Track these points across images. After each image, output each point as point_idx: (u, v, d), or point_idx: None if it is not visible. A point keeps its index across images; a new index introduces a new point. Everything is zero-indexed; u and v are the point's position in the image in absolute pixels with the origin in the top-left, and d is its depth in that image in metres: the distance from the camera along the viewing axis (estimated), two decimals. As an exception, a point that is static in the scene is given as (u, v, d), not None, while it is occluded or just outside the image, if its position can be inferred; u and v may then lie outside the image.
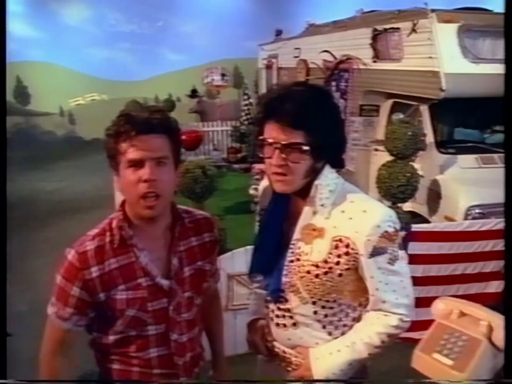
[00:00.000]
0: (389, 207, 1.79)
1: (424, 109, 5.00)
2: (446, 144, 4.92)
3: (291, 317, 1.38)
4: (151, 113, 1.27)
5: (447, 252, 3.53)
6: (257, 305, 1.56)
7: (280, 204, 1.39)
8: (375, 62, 5.86)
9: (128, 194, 1.29)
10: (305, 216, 1.32)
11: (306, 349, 1.37)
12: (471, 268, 3.64)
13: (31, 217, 6.55)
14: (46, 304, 1.37)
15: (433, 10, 4.80)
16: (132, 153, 1.24)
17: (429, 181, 4.64)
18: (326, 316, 1.34)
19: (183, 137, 9.21)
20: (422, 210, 4.65)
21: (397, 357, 1.10)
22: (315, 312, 1.34)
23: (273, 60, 9.30)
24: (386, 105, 5.75)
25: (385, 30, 5.59)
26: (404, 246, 1.31)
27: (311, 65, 7.46)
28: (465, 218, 4.08)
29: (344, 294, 1.33)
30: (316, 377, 1.29)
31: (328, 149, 1.28)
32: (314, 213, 1.31)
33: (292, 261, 1.33)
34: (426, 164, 4.77)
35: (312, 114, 1.23)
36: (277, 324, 1.42)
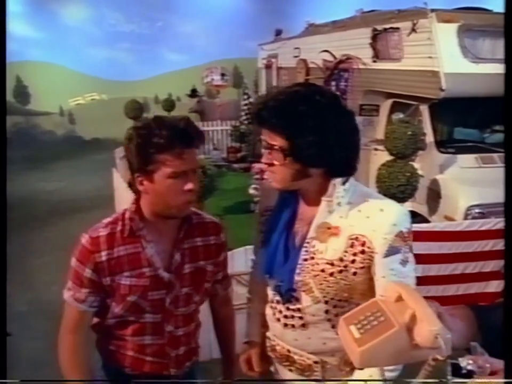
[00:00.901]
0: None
1: (424, 109, 5.00)
2: (446, 144, 4.93)
3: (301, 318, 1.37)
4: (189, 126, 1.36)
5: (447, 252, 3.53)
6: (254, 326, 1.57)
7: (288, 204, 1.39)
8: (374, 61, 5.86)
9: (166, 200, 1.37)
10: (321, 215, 1.32)
11: None
12: (471, 267, 3.65)
13: (31, 217, 6.55)
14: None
15: (433, 10, 4.81)
16: (178, 166, 1.33)
17: (429, 180, 4.64)
18: (336, 315, 1.32)
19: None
20: (422, 210, 4.65)
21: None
22: (326, 311, 1.34)
23: (273, 60, 9.30)
24: (386, 105, 5.76)
25: (385, 29, 5.60)
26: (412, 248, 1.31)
27: (310, 65, 7.46)
28: (465, 218, 4.08)
29: (356, 293, 1.33)
30: None
31: (300, 152, 1.25)
32: (330, 212, 1.31)
33: (305, 259, 1.33)
34: (426, 163, 4.78)
35: (290, 119, 1.23)
36: (285, 324, 1.40)
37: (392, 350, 0.96)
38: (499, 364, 0.83)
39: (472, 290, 3.68)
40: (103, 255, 1.39)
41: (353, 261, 1.28)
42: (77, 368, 1.43)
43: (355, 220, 1.28)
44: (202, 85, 12.38)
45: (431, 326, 0.89)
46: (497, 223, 3.51)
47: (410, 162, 4.64)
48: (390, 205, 1.30)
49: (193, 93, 12.04)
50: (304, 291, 1.34)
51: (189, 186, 1.36)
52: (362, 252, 1.27)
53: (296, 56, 8.04)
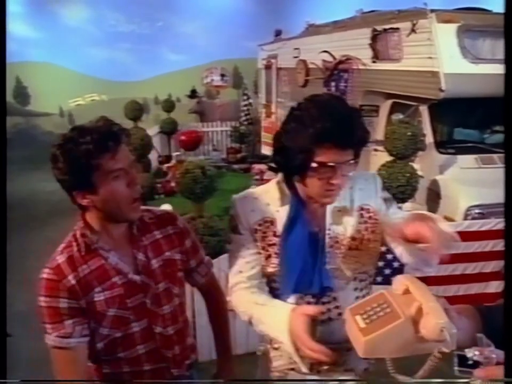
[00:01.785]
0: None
1: (424, 109, 5.00)
2: (446, 145, 4.93)
3: (337, 307, 1.40)
4: (110, 123, 1.34)
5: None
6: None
7: (299, 208, 1.42)
8: (374, 62, 5.86)
9: (116, 203, 1.33)
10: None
11: None
12: (471, 268, 3.65)
13: (31, 217, 6.56)
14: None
15: (432, 11, 4.81)
16: (115, 165, 1.30)
17: (429, 181, 4.64)
18: (361, 289, 1.45)
19: (183, 137, 9.28)
20: (422, 210, 4.65)
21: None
22: (355, 289, 1.44)
23: (273, 60, 9.29)
24: (385, 106, 5.76)
25: (385, 30, 5.60)
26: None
27: (310, 66, 7.45)
28: (465, 219, 4.08)
29: (371, 261, 1.47)
30: None
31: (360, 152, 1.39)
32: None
33: (331, 246, 1.40)
34: (425, 164, 4.78)
35: (364, 131, 1.35)
36: (322, 321, 1.37)
37: (397, 342, 0.97)
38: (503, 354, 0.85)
39: (472, 290, 3.68)
40: (71, 279, 1.32)
41: (366, 229, 1.43)
42: None
43: (352, 195, 1.45)
44: (202, 85, 12.39)
45: (438, 319, 0.89)
46: (497, 223, 3.51)
47: (410, 163, 4.64)
48: (367, 174, 1.60)
49: (193, 94, 12.05)
50: (336, 277, 1.40)
51: (133, 182, 1.33)
52: (370, 218, 1.44)
53: (296, 57, 8.04)
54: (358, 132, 1.31)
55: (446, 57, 4.64)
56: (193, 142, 9.25)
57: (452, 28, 4.70)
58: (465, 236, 3.54)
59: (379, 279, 3.00)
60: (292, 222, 1.40)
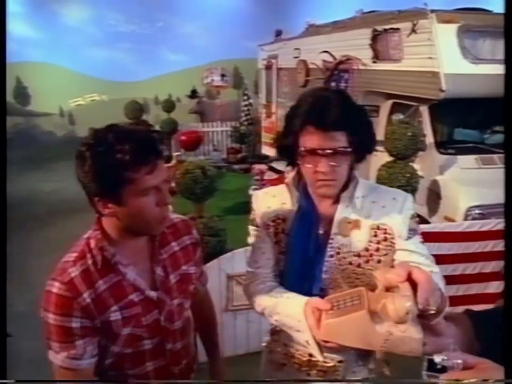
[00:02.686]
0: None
1: (424, 110, 5.00)
2: (446, 145, 4.92)
3: None
4: (153, 132, 1.24)
5: (446, 252, 3.53)
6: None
7: (308, 208, 1.39)
8: (374, 62, 5.86)
9: (141, 220, 1.21)
10: (341, 211, 1.36)
11: None
12: (471, 268, 3.65)
13: (31, 217, 6.55)
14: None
15: (433, 11, 4.80)
16: (150, 182, 1.17)
17: (429, 181, 4.64)
18: None
19: (183, 137, 9.27)
20: (422, 211, 4.65)
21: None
22: None
23: (273, 61, 9.29)
24: (386, 106, 5.75)
25: (385, 30, 5.60)
26: None
27: (310, 66, 7.45)
28: (465, 219, 4.08)
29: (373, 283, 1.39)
30: None
31: (365, 147, 1.36)
32: (347, 206, 1.36)
33: (331, 256, 1.35)
34: (426, 164, 4.77)
35: (351, 115, 1.28)
36: None
37: (353, 331, 1.03)
38: (472, 359, 0.87)
39: (472, 291, 3.68)
40: (86, 297, 1.18)
41: (377, 249, 1.34)
42: None
43: (372, 210, 1.36)
44: (202, 85, 12.40)
45: (407, 302, 0.91)
46: (497, 223, 3.51)
47: (410, 163, 4.63)
48: (399, 193, 1.42)
49: (193, 94, 12.06)
50: (332, 288, 1.36)
51: (164, 201, 1.20)
52: (385, 239, 1.35)
53: (296, 57, 8.04)
54: (334, 110, 1.22)
55: (446, 58, 4.64)
56: (193, 142, 9.24)
57: (452, 28, 4.70)
58: (465, 236, 3.54)
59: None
60: (297, 221, 1.39)
